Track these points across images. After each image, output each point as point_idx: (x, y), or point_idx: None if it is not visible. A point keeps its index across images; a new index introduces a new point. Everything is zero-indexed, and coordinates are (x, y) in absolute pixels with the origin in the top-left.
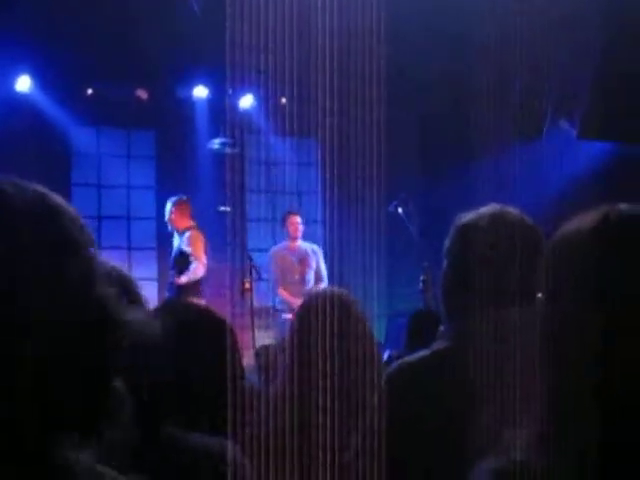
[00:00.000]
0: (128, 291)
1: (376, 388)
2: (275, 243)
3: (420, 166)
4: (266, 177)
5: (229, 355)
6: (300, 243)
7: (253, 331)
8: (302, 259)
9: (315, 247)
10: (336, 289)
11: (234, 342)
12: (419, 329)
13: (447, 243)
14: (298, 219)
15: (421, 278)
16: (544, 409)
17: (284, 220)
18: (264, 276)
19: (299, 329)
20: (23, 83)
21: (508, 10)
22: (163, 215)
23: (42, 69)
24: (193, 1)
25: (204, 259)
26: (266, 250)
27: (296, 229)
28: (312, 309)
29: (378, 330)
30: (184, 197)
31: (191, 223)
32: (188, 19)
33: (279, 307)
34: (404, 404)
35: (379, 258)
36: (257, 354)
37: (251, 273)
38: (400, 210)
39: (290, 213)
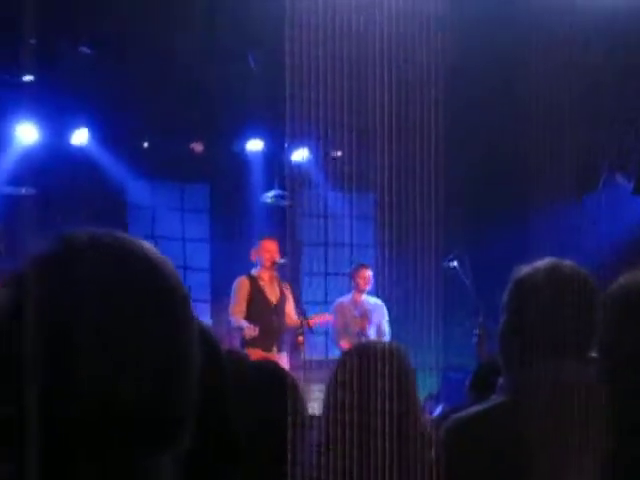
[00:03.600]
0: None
1: (421, 441)
2: (327, 297)
3: (476, 220)
4: (318, 230)
5: (293, 410)
6: (365, 297)
7: (305, 381)
8: (364, 313)
9: (379, 302)
10: (391, 342)
11: (298, 397)
12: (483, 382)
13: (505, 297)
14: (369, 272)
15: (475, 332)
16: (603, 463)
17: (354, 272)
18: (316, 330)
19: (343, 373)
20: (80, 136)
21: (563, 63)
22: (217, 267)
23: (98, 122)
24: (250, 57)
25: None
26: (318, 303)
27: (367, 282)
28: (360, 356)
29: (432, 384)
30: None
31: None
32: (244, 74)
33: None
34: (462, 459)
35: (434, 312)
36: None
37: (304, 327)
38: (455, 264)
39: (362, 266)
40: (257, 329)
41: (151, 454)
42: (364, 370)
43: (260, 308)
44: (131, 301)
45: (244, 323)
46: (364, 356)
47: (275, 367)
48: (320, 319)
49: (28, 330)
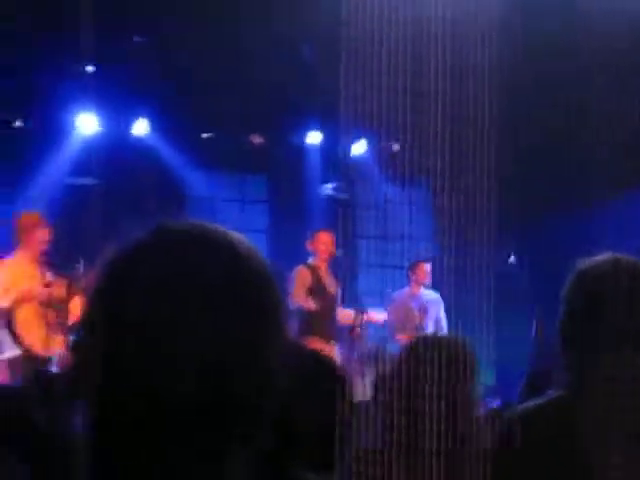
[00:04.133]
0: None
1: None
2: (383, 289)
3: (533, 211)
4: (376, 223)
5: (342, 404)
6: (422, 291)
7: (363, 378)
8: (422, 307)
9: (437, 296)
10: (454, 336)
11: (347, 391)
12: (536, 388)
13: (565, 290)
14: (429, 266)
15: (533, 326)
16: None
17: (413, 265)
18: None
19: (406, 369)
20: (140, 126)
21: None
22: (275, 259)
23: (159, 113)
24: (306, 49)
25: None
26: (375, 294)
27: (426, 275)
28: (423, 351)
29: (487, 377)
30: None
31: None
32: (302, 66)
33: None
34: (521, 453)
35: (491, 304)
36: (376, 386)
37: (362, 320)
38: (512, 259)
39: (423, 260)
40: (315, 305)
41: (220, 452)
42: (427, 364)
43: (320, 297)
44: (214, 295)
45: (305, 300)
46: (428, 349)
47: (329, 361)
48: (376, 317)
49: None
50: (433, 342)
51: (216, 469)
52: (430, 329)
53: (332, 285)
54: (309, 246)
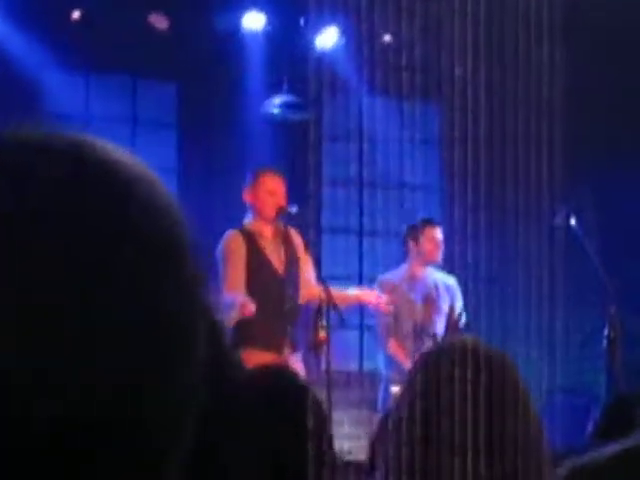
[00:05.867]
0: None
1: None
2: (362, 267)
3: (605, 159)
4: (354, 160)
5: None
6: (429, 272)
7: (330, 406)
8: (429, 297)
9: (451, 280)
10: (480, 342)
11: (322, 418)
12: (616, 423)
13: None
14: (439, 233)
15: (605, 333)
16: None
17: (414, 232)
18: (347, 319)
19: (417, 399)
20: None
21: None
22: (189, 216)
23: None
24: None
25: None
26: (347, 279)
27: (436, 248)
28: (440, 368)
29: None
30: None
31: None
32: None
33: (385, 371)
34: None
35: (539, 297)
36: (374, 442)
37: (328, 314)
38: (573, 222)
39: (428, 223)
40: (254, 305)
41: None
42: (444, 389)
43: (261, 281)
44: (87, 238)
45: (239, 297)
46: (444, 366)
47: (292, 385)
48: (371, 297)
49: None
50: (461, 352)
51: None
52: (440, 332)
53: (280, 259)
54: (247, 197)
